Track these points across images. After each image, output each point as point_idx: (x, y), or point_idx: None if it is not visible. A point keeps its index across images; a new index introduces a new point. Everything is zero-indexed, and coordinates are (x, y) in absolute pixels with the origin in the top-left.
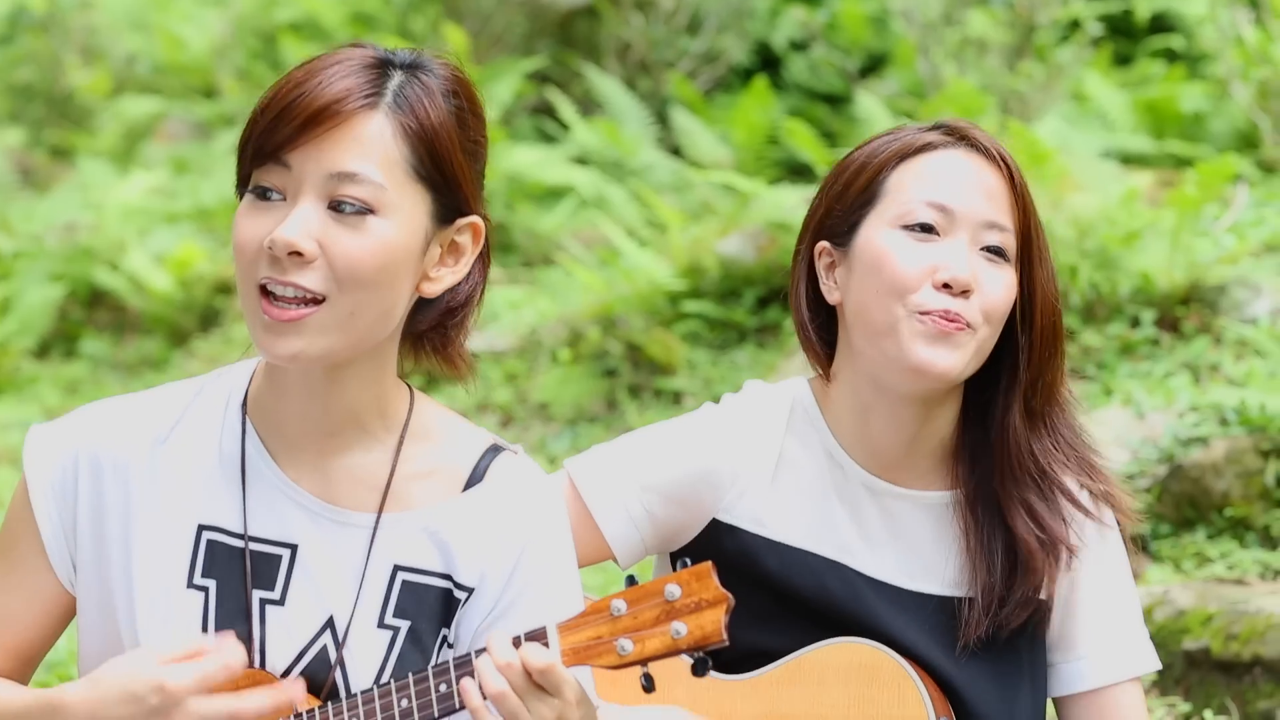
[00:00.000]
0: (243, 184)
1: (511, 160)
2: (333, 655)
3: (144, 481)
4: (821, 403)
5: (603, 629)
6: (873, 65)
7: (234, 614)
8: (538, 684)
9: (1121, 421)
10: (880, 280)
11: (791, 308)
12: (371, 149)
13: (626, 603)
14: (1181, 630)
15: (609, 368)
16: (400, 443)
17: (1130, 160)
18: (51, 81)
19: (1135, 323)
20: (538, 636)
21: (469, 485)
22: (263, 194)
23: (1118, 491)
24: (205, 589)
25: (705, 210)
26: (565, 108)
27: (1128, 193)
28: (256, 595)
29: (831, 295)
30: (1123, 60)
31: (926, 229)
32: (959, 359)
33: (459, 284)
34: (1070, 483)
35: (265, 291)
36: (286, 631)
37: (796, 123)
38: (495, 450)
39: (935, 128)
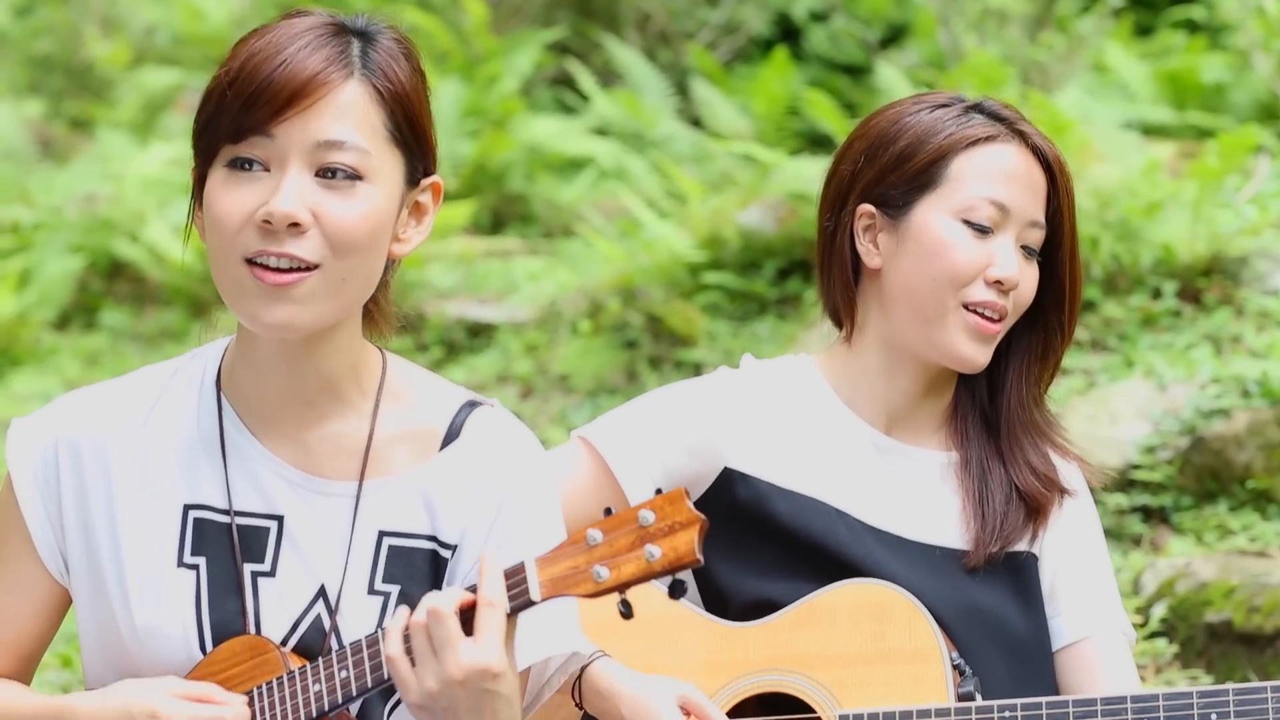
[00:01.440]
0: (206, 158)
1: (531, 131)
2: (327, 624)
3: (125, 465)
4: (826, 372)
5: (579, 559)
6: (893, 36)
7: (226, 588)
8: (431, 643)
9: (1143, 393)
10: (939, 268)
11: (821, 267)
12: (353, 116)
13: (602, 531)
14: (1204, 603)
15: (629, 339)
16: (376, 407)
17: (1151, 131)
18: (71, 53)
19: (1157, 294)
20: (517, 571)
21: (445, 443)
22: (242, 165)
23: (1079, 452)
24: (196, 567)
25: (725, 181)
26: (585, 79)
27: (1149, 164)
28: (247, 568)
29: (872, 260)
30: (1144, 31)
31: (984, 227)
32: (990, 352)
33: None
34: (1047, 441)
35: (251, 264)
36: (280, 602)
37: (817, 93)
38: (471, 405)
39: (977, 108)
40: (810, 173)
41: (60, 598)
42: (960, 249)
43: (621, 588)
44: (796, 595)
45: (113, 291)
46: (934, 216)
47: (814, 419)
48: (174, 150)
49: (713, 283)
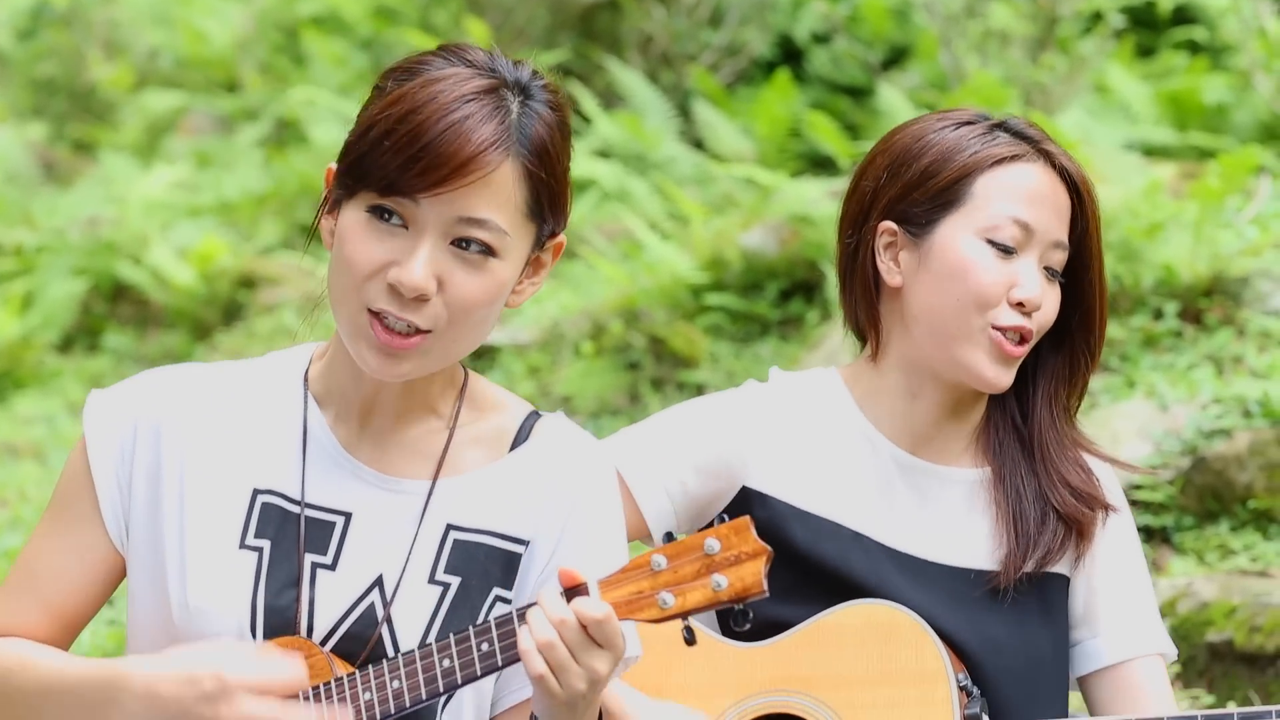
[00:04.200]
0: (348, 190)
1: None
2: (380, 613)
3: (201, 449)
4: (852, 388)
5: (644, 584)
6: (895, 57)
7: (285, 575)
8: (591, 636)
9: (1144, 413)
10: (964, 289)
11: (842, 283)
12: (501, 197)
13: (666, 558)
14: (1205, 622)
15: (632, 360)
16: (456, 414)
17: (1153, 152)
18: (74, 76)
19: (1158, 315)
20: (579, 592)
21: (515, 445)
22: (383, 215)
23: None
24: (259, 550)
25: (727, 203)
26: (587, 101)
27: (1150, 184)
28: (309, 559)
29: (892, 278)
30: (1145, 52)
31: (1009, 247)
32: (1013, 374)
33: None
34: (1083, 455)
35: (373, 313)
36: (336, 593)
37: (819, 115)
38: (537, 415)
39: (1018, 135)
40: (812, 194)
41: (114, 569)
42: (984, 269)
43: (685, 615)
44: (808, 617)
45: (116, 314)
46: (957, 235)
47: (837, 436)
48: (177, 173)
49: (715, 304)
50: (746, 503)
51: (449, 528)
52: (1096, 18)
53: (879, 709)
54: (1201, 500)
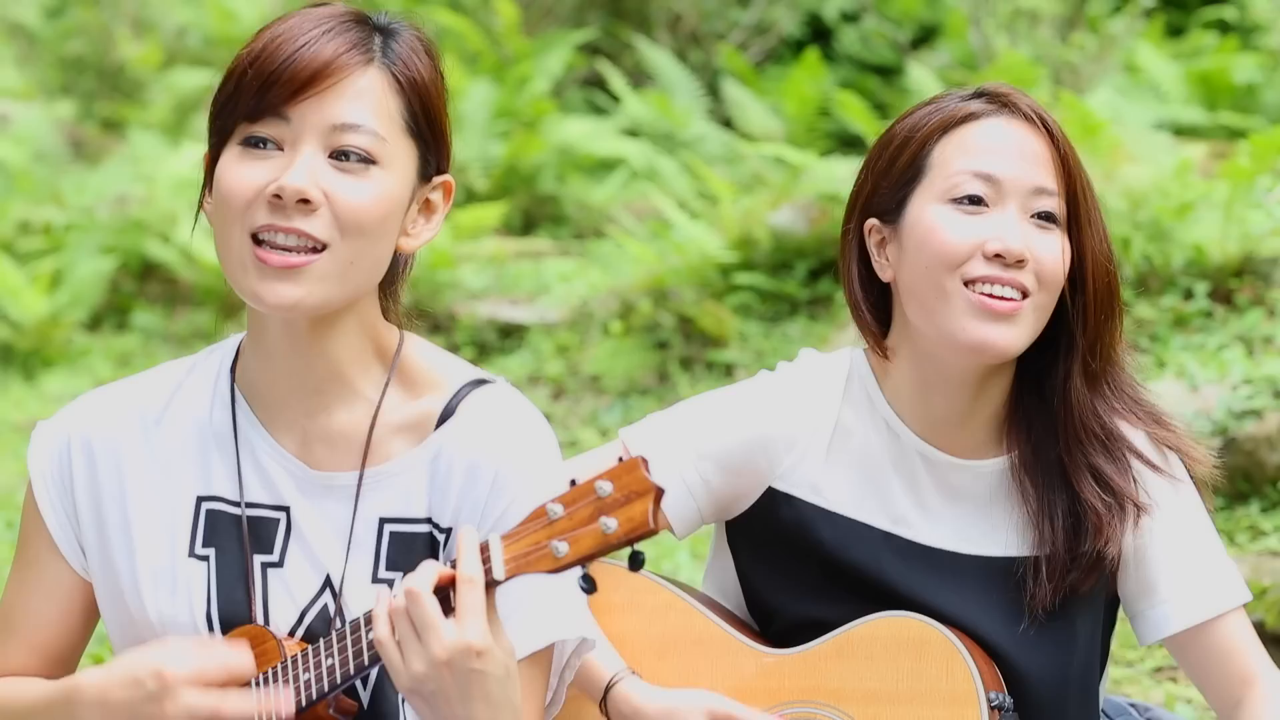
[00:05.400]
0: (220, 138)
1: (562, 132)
2: (333, 614)
3: (138, 460)
4: (878, 372)
5: (540, 534)
6: (924, 36)
7: (235, 579)
8: (413, 626)
9: (1175, 394)
10: (929, 255)
11: (844, 287)
12: (370, 101)
13: (563, 505)
14: None
15: (660, 340)
16: (381, 398)
17: (1183, 132)
18: (102, 54)
19: (1188, 295)
20: (484, 549)
21: (440, 423)
22: (256, 144)
23: (1186, 441)
24: (206, 558)
25: (756, 182)
26: (616, 80)
27: (1180, 164)
28: (257, 559)
29: (884, 273)
30: (1175, 31)
31: (975, 200)
32: (1017, 334)
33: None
34: (1138, 436)
35: (257, 241)
36: (288, 592)
37: (848, 94)
38: (474, 384)
39: (976, 95)
40: (841, 174)
41: (87, 597)
42: (947, 228)
43: (581, 562)
44: (841, 617)
45: (144, 292)
46: (922, 207)
47: (863, 431)
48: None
49: (744, 283)
50: (773, 503)
51: (383, 522)
52: None
53: None
54: (1232, 481)
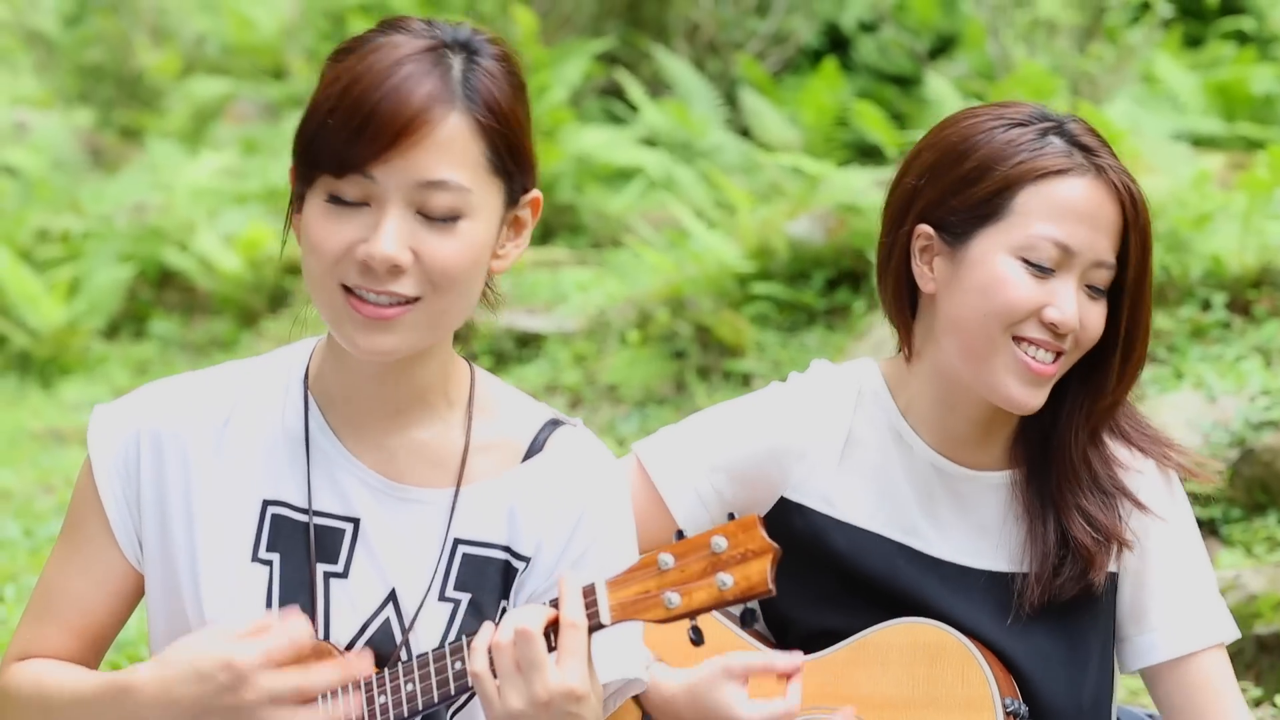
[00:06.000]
0: (305, 179)
1: (580, 141)
2: (396, 628)
3: (206, 459)
4: (891, 384)
5: (650, 583)
6: (942, 46)
7: (297, 587)
8: (518, 664)
9: (1193, 405)
10: (990, 305)
11: (880, 281)
12: (455, 153)
13: (674, 556)
14: (1253, 615)
15: (678, 349)
16: (470, 418)
17: (1201, 142)
18: (121, 62)
19: (1206, 306)
20: (588, 593)
21: (528, 456)
22: (342, 201)
23: (1192, 464)
24: (269, 563)
25: (774, 192)
26: (634, 89)
27: (1198, 175)
28: (320, 568)
29: (926, 284)
30: (1193, 42)
31: (1044, 268)
32: (1046, 392)
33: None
34: (1147, 465)
35: (348, 289)
36: (350, 604)
37: (865, 104)
38: (555, 424)
39: (1061, 132)
40: (859, 183)
41: (134, 585)
42: (1015, 287)
43: (692, 614)
44: (855, 626)
45: (162, 300)
46: (992, 251)
47: (877, 443)
48: (223, 160)
49: (761, 293)
50: (785, 513)
51: (457, 542)
52: (1144, 7)
53: None
54: (1250, 492)
